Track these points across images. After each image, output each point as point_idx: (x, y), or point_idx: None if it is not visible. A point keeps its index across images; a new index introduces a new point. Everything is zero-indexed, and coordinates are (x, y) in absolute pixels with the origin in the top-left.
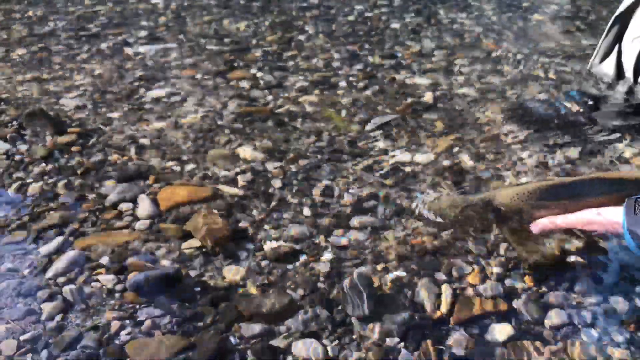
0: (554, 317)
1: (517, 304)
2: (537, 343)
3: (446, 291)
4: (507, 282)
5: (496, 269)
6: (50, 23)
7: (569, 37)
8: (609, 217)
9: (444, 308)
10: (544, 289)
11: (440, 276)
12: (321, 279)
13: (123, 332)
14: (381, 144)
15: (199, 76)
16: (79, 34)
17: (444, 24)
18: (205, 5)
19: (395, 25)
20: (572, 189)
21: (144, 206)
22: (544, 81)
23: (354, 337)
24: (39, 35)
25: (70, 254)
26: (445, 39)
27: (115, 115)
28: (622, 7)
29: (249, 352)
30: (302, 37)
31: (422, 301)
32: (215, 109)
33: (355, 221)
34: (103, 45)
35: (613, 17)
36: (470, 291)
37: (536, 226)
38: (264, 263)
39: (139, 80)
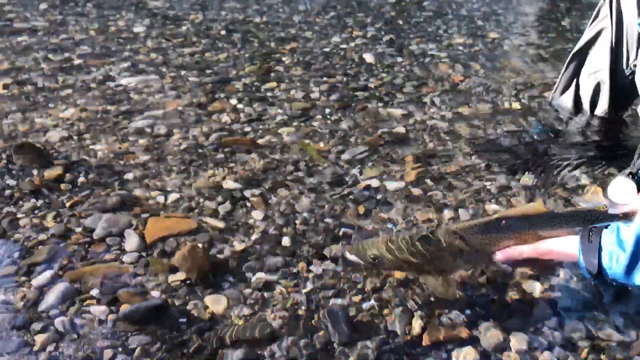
0: (515, 342)
1: (480, 329)
2: None
3: (417, 319)
4: (472, 310)
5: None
6: (34, 53)
7: (533, 69)
8: (566, 246)
9: (415, 334)
10: (505, 315)
11: (412, 304)
12: (300, 307)
13: None
14: (355, 174)
15: (181, 108)
16: (62, 65)
17: (416, 55)
18: (185, 35)
19: (369, 56)
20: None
21: (131, 240)
22: (509, 112)
23: None
24: (22, 67)
25: (60, 286)
26: (416, 71)
27: (99, 147)
28: (580, 44)
29: None
30: (280, 68)
31: (395, 328)
32: (197, 140)
33: (331, 251)
34: (86, 77)
35: (571, 53)
36: (438, 319)
37: (502, 255)
38: (245, 293)
39: (122, 113)
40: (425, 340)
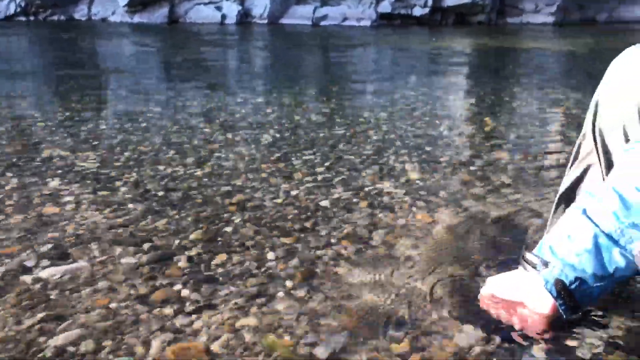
0: None
1: None
2: None
3: None
4: None
5: None
6: None
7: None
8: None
9: None
10: None
11: None
12: None
13: None
14: None
15: (114, 306)
16: None
17: (373, 195)
18: (119, 202)
19: (325, 203)
20: None
21: None
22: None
23: None
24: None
25: None
26: (378, 215)
27: None
28: (565, 186)
29: None
30: (229, 229)
31: None
32: (137, 352)
33: None
34: None
35: (557, 197)
36: None
37: None
38: None
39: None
40: None
